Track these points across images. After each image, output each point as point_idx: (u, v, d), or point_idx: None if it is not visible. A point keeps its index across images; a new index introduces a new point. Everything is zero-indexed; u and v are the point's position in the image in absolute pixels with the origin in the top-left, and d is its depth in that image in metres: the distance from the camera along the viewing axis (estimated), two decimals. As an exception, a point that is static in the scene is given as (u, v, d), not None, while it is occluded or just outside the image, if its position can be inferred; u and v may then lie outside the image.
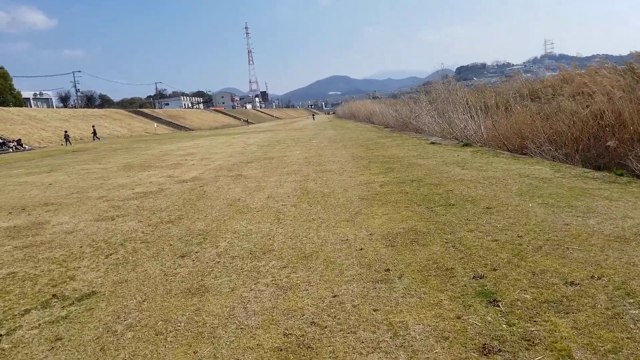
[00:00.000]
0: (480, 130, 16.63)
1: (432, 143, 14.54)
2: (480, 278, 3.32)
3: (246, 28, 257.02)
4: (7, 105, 58.19)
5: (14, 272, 4.38)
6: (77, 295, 3.66)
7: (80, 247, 5.12)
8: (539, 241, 3.99)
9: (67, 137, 35.43)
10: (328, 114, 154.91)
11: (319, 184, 8.08)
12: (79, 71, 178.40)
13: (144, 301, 3.43)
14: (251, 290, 3.47)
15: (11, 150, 33.48)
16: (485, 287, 3.15)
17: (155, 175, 11.34)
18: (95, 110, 68.39)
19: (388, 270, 3.64)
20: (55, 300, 3.60)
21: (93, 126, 43.70)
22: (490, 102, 19.14)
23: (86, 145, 33.00)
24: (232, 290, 3.51)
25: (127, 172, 12.66)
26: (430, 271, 3.54)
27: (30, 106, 73.64)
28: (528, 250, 3.80)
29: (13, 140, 35.56)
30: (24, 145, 34.17)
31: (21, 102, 68.81)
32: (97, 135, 40.20)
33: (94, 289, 3.77)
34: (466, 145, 13.26)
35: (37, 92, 75.95)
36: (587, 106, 11.54)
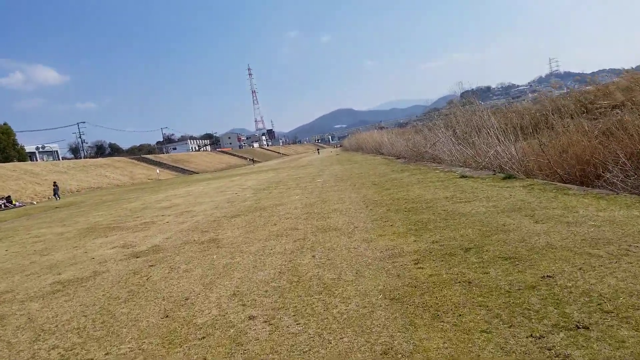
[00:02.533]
0: (516, 156, 13.83)
1: (463, 177, 11.71)
2: None
3: (249, 69, 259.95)
4: (11, 161, 56.79)
5: None
6: None
7: None
8: None
9: (55, 191, 33.04)
10: (336, 147, 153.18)
11: (318, 259, 5.26)
12: (84, 122, 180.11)
13: None
14: None
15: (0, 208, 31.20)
16: None
17: (109, 245, 8.63)
18: (97, 160, 66.72)
19: None
20: None
21: (54, 182, 35.86)
22: (522, 122, 16.41)
23: (77, 198, 30.61)
24: None
25: (82, 239, 9.97)
26: None
27: (37, 160, 72.37)
28: None
29: (2, 198, 33.35)
30: (14, 202, 31.85)
31: (24, 156, 67.61)
32: (58, 193, 33.74)
33: None
34: (508, 178, 10.42)
35: (40, 146, 74.53)
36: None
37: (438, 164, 19.61)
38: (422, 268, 4.34)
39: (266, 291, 4.31)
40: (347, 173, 19.27)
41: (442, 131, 21.80)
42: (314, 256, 5.45)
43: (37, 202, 31.19)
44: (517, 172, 13.09)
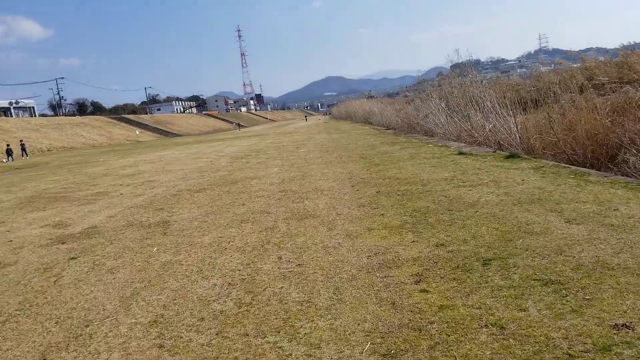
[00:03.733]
0: (516, 132, 12.58)
1: (461, 153, 10.41)
2: None
3: (238, 31, 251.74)
4: (-18, 116, 53.91)
5: None
6: None
7: None
8: None
9: (9, 152, 30.57)
10: (325, 114, 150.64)
11: (285, 264, 3.95)
12: (62, 78, 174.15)
13: None
14: None
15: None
16: None
17: (40, 222, 7.21)
18: (74, 118, 63.84)
19: None
20: None
21: (21, 140, 34.33)
22: (519, 96, 15.05)
23: (43, 159, 28.66)
24: None
25: (16, 211, 8.50)
26: None
27: (11, 115, 69.01)
28: None
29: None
30: (-26, 160, 29.85)
31: (-3, 111, 64.51)
32: (26, 151, 32.71)
33: None
34: (512, 157, 9.14)
35: (14, 101, 70.79)
36: None
37: (430, 137, 18.31)
38: (427, 292, 3.04)
39: (201, 320, 2.98)
40: (334, 143, 17.87)
41: (435, 102, 20.39)
42: (280, 258, 4.13)
43: (3, 162, 29.24)
44: (518, 149, 11.88)
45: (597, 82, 16.48)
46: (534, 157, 9.41)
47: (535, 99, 14.80)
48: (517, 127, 12.56)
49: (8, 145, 30.64)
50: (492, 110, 14.01)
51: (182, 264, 4.27)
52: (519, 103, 14.05)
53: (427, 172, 8.13)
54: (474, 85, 16.34)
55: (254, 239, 4.85)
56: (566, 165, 7.72)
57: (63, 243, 5.65)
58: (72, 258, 4.92)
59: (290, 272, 3.73)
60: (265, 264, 4.02)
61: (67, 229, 6.43)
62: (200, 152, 20.56)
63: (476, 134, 14.93)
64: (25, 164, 24.44)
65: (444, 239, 4.14)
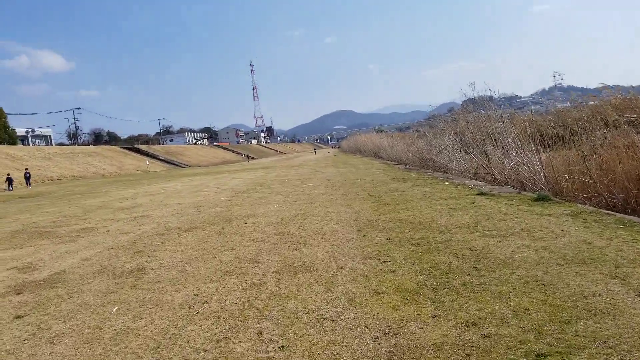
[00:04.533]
0: (541, 172, 11.64)
1: (482, 194, 9.45)
2: None
3: (251, 65, 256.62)
4: (1, 144, 54.16)
5: None
6: None
7: None
8: None
9: (9, 181, 29.25)
10: (334, 147, 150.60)
11: (266, 345, 2.99)
12: (79, 108, 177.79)
13: None
14: None
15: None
16: None
17: (9, 263, 6.36)
18: (86, 147, 63.95)
19: None
20: None
21: (26, 169, 32.74)
22: (549, 132, 14.12)
23: (49, 188, 28.02)
24: None
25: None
26: None
27: (28, 144, 69.50)
28: None
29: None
30: (-19, 189, 29.24)
31: (15, 140, 65.03)
32: (29, 181, 31.29)
33: None
34: (541, 199, 8.17)
35: (30, 129, 71.38)
36: None
37: (444, 173, 17.39)
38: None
39: None
40: (341, 178, 17.00)
41: (449, 137, 19.54)
42: (260, 333, 3.18)
43: (9, 189, 28.68)
44: (544, 190, 10.91)
45: (625, 119, 15.55)
46: (566, 201, 8.43)
47: (562, 135, 13.83)
48: (542, 166, 11.62)
49: (9, 174, 30.15)
50: (512, 146, 13.09)
51: (139, 336, 3.34)
52: (542, 140, 13.13)
53: (445, 215, 7.18)
54: (491, 120, 15.48)
55: (234, 300, 3.91)
56: (608, 212, 6.71)
57: (19, 293, 4.77)
58: (18, 317, 4.02)
59: (269, 359, 2.77)
60: (239, 342, 3.07)
61: (33, 274, 5.55)
62: (203, 184, 19.79)
63: (495, 172, 14.00)
64: (29, 193, 23.81)
65: (475, 314, 3.16)
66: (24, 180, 30.63)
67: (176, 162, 68.60)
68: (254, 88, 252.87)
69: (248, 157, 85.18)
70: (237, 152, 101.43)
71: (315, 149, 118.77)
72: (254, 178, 21.44)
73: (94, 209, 12.57)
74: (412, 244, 5.42)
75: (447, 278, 4.03)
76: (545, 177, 11.52)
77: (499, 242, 5.20)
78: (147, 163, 57.22)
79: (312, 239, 6.20)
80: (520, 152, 12.88)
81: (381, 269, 4.47)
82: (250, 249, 5.93)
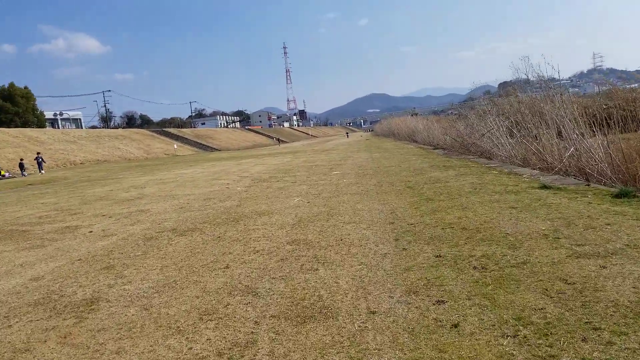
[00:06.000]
0: (609, 159, 9.76)
1: (545, 187, 7.65)
2: None
3: (284, 48, 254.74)
4: (29, 126, 54.65)
5: None
6: None
7: None
8: None
9: (22, 166, 28.39)
10: (367, 131, 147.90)
11: None
12: (109, 90, 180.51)
13: None
14: None
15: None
16: None
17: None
18: (114, 130, 64.04)
19: None
20: None
21: (38, 153, 30.94)
22: (614, 113, 12.01)
23: (67, 173, 27.30)
24: None
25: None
26: None
27: (58, 127, 70.21)
28: None
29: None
30: (2, 173, 28.94)
31: (43, 123, 65.60)
32: (42, 167, 29.60)
33: None
34: (625, 195, 6.36)
35: (59, 112, 71.86)
36: None
37: (488, 159, 15.49)
38: None
39: None
40: (374, 164, 15.34)
41: (493, 120, 17.49)
42: None
43: (28, 174, 28.25)
44: (615, 181, 9.03)
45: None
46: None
47: (621, 118, 11.70)
48: (611, 152, 9.68)
49: (22, 159, 29.63)
50: (574, 130, 11.11)
51: None
52: (605, 123, 11.08)
53: (508, 218, 5.49)
54: (547, 100, 13.42)
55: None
56: None
57: None
58: None
59: None
60: None
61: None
62: (224, 170, 18.48)
63: (550, 159, 12.08)
64: (41, 179, 23.08)
65: None
66: (37, 165, 29.94)
67: (205, 145, 68.09)
68: (287, 71, 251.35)
69: (279, 140, 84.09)
70: (268, 136, 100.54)
71: (347, 133, 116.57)
72: (279, 164, 20.00)
73: (93, 200, 11.36)
74: (475, 267, 3.80)
75: (549, 346, 2.42)
76: (613, 165, 9.62)
77: (603, 267, 3.53)
78: (176, 147, 56.73)
79: (334, 253, 4.66)
80: (581, 136, 10.93)
81: (435, 320, 2.88)
82: (250, 267, 4.43)
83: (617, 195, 6.51)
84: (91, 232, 7.08)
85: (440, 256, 4.22)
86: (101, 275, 4.66)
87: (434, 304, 3.13)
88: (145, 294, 3.93)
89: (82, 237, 6.76)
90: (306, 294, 3.57)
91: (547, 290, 3.19)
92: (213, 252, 5.13)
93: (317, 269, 4.18)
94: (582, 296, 3.04)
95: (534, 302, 3.00)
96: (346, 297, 3.42)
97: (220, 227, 6.57)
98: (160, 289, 4.02)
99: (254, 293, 3.69)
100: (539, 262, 3.80)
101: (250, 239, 5.65)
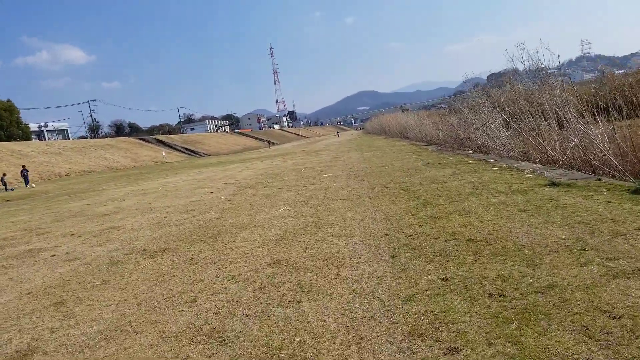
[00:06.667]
0: (608, 150, 9.22)
1: (554, 184, 6.99)
2: None
3: (270, 49, 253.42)
4: (14, 140, 53.36)
5: None
6: None
7: None
8: None
9: (2, 181, 27.00)
10: (358, 129, 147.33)
11: None
12: (94, 100, 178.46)
13: None
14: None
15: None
16: None
17: None
18: (100, 140, 62.83)
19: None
20: None
21: (23, 166, 30.18)
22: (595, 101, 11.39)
23: (48, 187, 26.28)
24: None
25: None
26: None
27: (44, 139, 68.78)
28: None
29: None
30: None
31: (28, 135, 64.27)
32: (28, 181, 28.83)
33: None
34: (645, 191, 5.72)
35: (43, 124, 70.51)
36: None
37: (484, 154, 14.86)
38: None
39: None
40: (366, 165, 14.65)
41: (488, 112, 16.88)
42: None
43: (13, 188, 27.24)
44: (623, 173, 8.45)
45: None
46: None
47: (618, 105, 11.10)
48: (619, 142, 9.07)
49: (4, 174, 28.46)
50: (577, 120, 10.49)
51: None
52: (602, 110, 10.48)
53: (520, 224, 4.81)
54: (545, 89, 12.80)
55: None
56: None
57: None
58: None
59: None
60: None
61: None
62: (209, 177, 17.71)
63: (551, 151, 11.47)
64: (21, 194, 22.09)
65: None
66: (23, 180, 28.87)
67: (195, 151, 67.14)
68: (275, 72, 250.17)
69: (269, 142, 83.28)
70: (258, 138, 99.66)
71: (338, 132, 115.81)
72: (267, 168, 19.26)
73: (67, 216, 10.56)
74: (490, 295, 3.11)
75: None
76: (622, 156, 9.03)
77: (650, 291, 2.85)
78: (164, 154, 55.77)
79: (322, 277, 3.96)
80: (584, 125, 10.31)
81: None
82: (222, 299, 3.72)
83: (636, 191, 5.86)
84: (54, 255, 6.32)
85: (446, 279, 3.52)
86: (48, 314, 3.93)
87: (445, 354, 2.43)
88: (90, 343, 3.21)
89: (42, 262, 6.01)
90: (284, 339, 2.86)
91: (587, 329, 2.50)
92: (182, 280, 4.41)
93: (300, 301, 3.47)
94: (636, 337, 2.35)
95: (575, 349, 2.32)
96: (333, 344, 2.72)
97: (195, 245, 5.84)
98: (109, 335, 3.30)
99: (220, 339, 2.98)
100: (568, 284, 3.11)
101: (226, 260, 4.93)
